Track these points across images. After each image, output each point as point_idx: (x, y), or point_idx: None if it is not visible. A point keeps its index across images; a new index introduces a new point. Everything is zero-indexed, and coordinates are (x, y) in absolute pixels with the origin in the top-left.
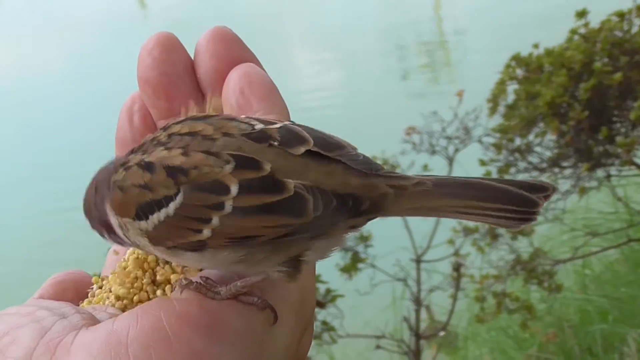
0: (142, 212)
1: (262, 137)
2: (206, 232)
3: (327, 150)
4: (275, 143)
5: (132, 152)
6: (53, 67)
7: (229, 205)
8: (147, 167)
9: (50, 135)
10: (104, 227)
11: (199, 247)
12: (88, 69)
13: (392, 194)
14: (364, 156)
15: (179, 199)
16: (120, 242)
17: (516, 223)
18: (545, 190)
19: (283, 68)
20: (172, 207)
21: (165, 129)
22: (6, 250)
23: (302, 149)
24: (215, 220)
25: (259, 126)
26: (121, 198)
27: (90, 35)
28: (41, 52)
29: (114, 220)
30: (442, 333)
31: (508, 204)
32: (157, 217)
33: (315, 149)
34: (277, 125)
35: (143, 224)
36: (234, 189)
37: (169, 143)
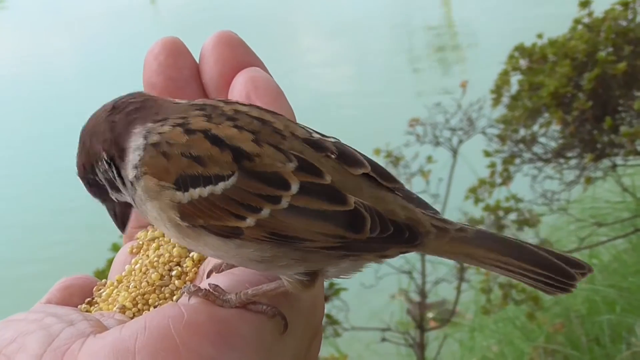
0: (183, 183)
1: (319, 147)
2: (249, 221)
3: (383, 179)
4: (333, 156)
5: (190, 106)
6: (63, 64)
7: (285, 201)
8: (215, 141)
9: (59, 133)
10: (108, 150)
11: (230, 233)
12: (98, 65)
13: (434, 234)
14: (417, 195)
15: (231, 180)
16: (112, 190)
17: (553, 290)
18: (581, 268)
19: (290, 60)
20: (220, 186)
21: (225, 102)
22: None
23: (360, 171)
24: (265, 211)
25: (315, 135)
26: (165, 164)
27: (100, 32)
28: (50, 49)
29: (131, 172)
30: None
31: (546, 270)
32: (199, 192)
33: (373, 174)
34: (332, 140)
35: (179, 194)
36: (295, 187)
37: (237, 120)
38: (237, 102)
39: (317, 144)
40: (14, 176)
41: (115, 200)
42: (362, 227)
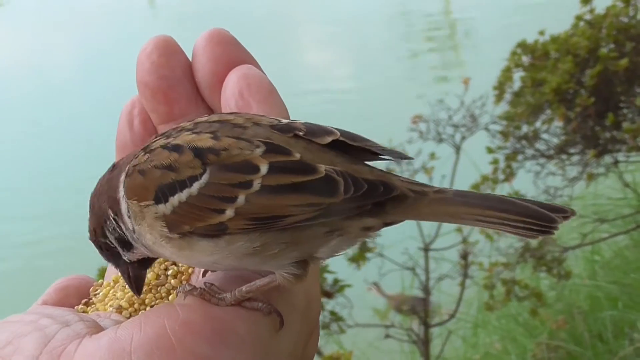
0: (162, 195)
1: (287, 129)
2: (229, 212)
3: (352, 140)
4: (301, 133)
5: (154, 139)
6: (61, 62)
7: (257, 184)
8: (174, 148)
9: (58, 131)
10: (112, 206)
11: (216, 232)
12: (96, 64)
13: (412, 198)
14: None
15: (204, 178)
16: (120, 247)
17: (534, 234)
18: (564, 212)
19: (291, 57)
20: (196, 186)
21: (189, 120)
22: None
23: (329, 139)
24: (241, 198)
25: (284, 121)
26: (142, 181)
27: (99, 31)
28: (49, 49)
29: (124, 208)
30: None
31: (527, 217)
32: (178, 198)
33: (342, 138)
34: (302, 122)
35: (161, 207)
36: (264, 169)
37: (196, 129)
38: (198, 117)
39: (285, 127)
40: (18, 169)
41: (129, 261)
42: (336, 189)
